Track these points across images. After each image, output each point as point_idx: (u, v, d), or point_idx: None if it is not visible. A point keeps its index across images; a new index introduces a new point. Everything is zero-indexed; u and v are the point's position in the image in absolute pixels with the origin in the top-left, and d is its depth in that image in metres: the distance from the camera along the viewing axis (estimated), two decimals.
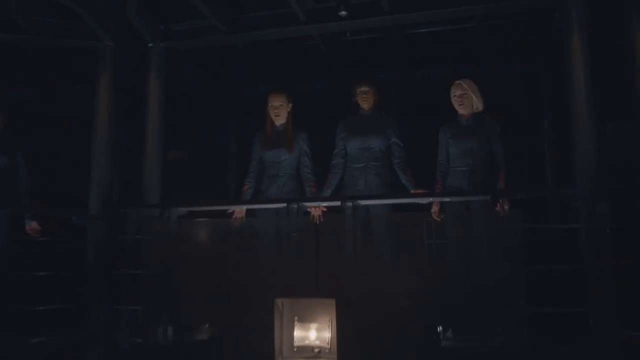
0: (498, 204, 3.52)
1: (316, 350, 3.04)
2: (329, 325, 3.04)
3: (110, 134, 4.54)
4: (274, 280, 3.29)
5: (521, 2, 4.03)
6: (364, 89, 4.18)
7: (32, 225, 4.27)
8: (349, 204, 3.40)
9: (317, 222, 3.72)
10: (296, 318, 3.08)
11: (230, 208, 3.89)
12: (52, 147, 4.64)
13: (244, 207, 3.86)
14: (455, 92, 4.00)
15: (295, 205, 3.55)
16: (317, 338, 3.04)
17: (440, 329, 3.21)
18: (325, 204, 3.68)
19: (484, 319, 3.10)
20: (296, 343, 3.05)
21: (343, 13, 4.25)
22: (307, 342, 3.05)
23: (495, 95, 4.28)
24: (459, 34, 4.53)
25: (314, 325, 3.05)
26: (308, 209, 3.75)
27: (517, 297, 3.04)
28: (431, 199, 3.56)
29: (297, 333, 3.07)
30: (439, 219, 3.68)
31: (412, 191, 3.91)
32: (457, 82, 4.00)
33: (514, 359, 2.98)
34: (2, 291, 3.80)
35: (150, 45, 4.62)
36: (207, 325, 3.47)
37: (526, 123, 4.31)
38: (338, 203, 3.52)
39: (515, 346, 3.00)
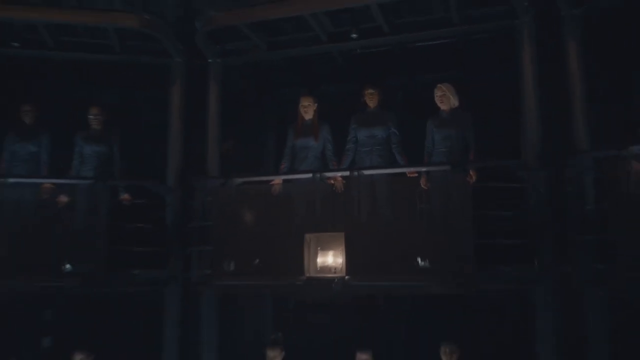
0: (469, 174, 4.91)
1: (332, 268, 4.49)
2: (341, 252, 4.48)
3: (181, 127, 6.09)
4: (304, 224, 4.75)
5: (488, 26, 5.41)
6: (370, 91, 5.59)
7: (124, 195, 5.82)
8: (355, 173, 4.83)
9: (339, 190, 5.16)
10: (319, 248, 4.53)
11: (273, 179, 5.36)
12: (136, 139, 6.17)
13: (282, 178, 5.32)
14: (437, 93, 5.37)
15: (319, 175, 5.00)
16: (333, 261, 4.48)
17: (419, 258, 4.64)
18: (340, 174, 5.11)
19: (447, 250, 4.50)
20: (319, 264, 4.50)
21: (354, 35, 5.72)
22: (326, 263, 4.49)
23: (477, 93, 5.66)
24: (446, 47, 5.92)
25: (331, 252, 4.50)
26: (331, 181, 5.18)
27: (468, 234, 4.42)
28: (412, 169, 4.96)
29: (320, 258, 4.52)
30: (425, 187, 5.08)
31: (408, 173, 5.29)
32: (438, 85, 5.36)
33: (464, 276, 4.36)
34: (113, 239, 5.35)
35: (210, 60, 6.15)
36: (257, 260, 4.96)
37: (498, 115, 5.67)
38: (347, 173, 4.96)
39: (466, 268, 4.38)
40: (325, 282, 4.49)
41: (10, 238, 5.33)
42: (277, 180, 5.36)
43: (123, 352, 5.85)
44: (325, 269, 4.54)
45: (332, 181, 5.19)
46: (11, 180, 5.38)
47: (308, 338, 5.80)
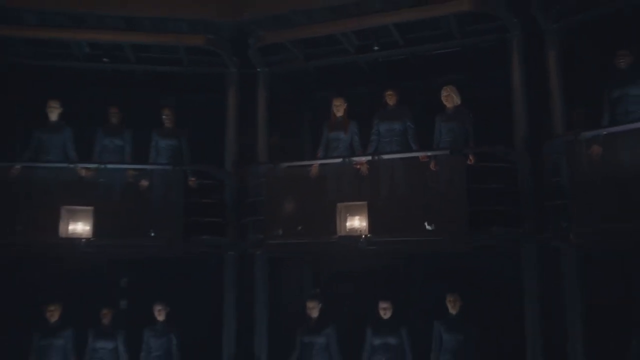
0: (469, 157, 6.17)
1: (358, 229, 5.85)
2: (365, 217, 5.83)
3: (235, 123, 7.54)
4: (335, 198, 6.11)
5: (484, 38, 6.69)
6: (389, 92, 6.92)
7: (191, 179, 7.25)
8: (376, 158, 6.18)
9: (364, 173, 6.50)
10: (348, 214, 5.89)
11: (311, 164, 6.73)
12: (199, 134, 7.63)
13: (318, 163, 6.68)
14: (443, 94, 6.66)
15: (347, 160, 6.36)
16: (359, 224, 5.84)
17: (426, 223, 5.95)
18: (364, 159, 6.44)
19: (447, 216, 5.79)
20: (348, 227, 5.87)
21: (376, 48, 7.07)
22: (353, 226, 5.85)
23: (475, 93, 6.91)
24: (450, 56, 7.21)
25: (357, 217, 5.85)
26: (357, 165, 6.52)
27: (463, 203, 5.70)
28: (424, 153, 6.26)
29: (348, 222, 5.87)
30: (434, 169, 6.37)
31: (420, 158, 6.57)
32: (444, 87, 6.66)
33: (459, 235, 5.64)
34: (186, 212, 6.79)
35: (259, 70, 7.59)
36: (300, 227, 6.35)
37: (492, 110, 6.92)
38: (370, 158, 6.30)
39: (462, 231, 5.67)
40: (353, 239, 5.85)
41: (104, 213, 6.82)
42: (315, 164, 6.73)
43: (192, 308, 7.29)
44: (353, 230, 5.90)
45: (359, 165, 6.54)
46: (109, 166, 6.88)
47: (339, 293, 7.15)
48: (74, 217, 6.22)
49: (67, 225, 6.19)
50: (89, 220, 6.25)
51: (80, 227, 6.21)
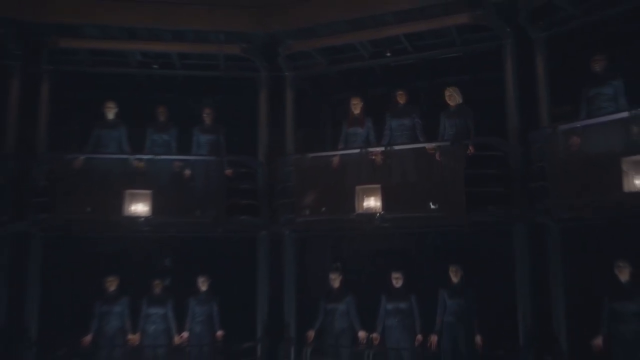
0: (469, 148, 7.24)
1: (373, 208, 6.97)
2: (379, 198, 6.95)
3: (266, 120, 8.69)
4: (354, 182, 7.24)
5: (481, 45, 7.77)
6: (400, 92, 8.02)
7: (228, 170, 8.39)
8: (388, 148, 7.29)
9: (378, 162, 7.59)
10: (364, 195, 7.01)
11: (333, 154, 7.84)
12: (234, 130, 8.77)
13: (339, 153, 7.80)
14: (446, 93, 7.72)
15: (364, 151, 7.47)
16: (374, 204, 6.96)
17: (431, 203, 7.04)
18: (379, 150, 7.54)
19: (449, 197, 6.88)
20: (365, 206, 7.00)
21: (388, 54, 8.18)
22: (369, 205, 6.98)
23: (474, 92, 7.96)
24: (452, 60, 8.28)
25: (372, 198, 6.97)
26: (372, 155, 7.61)
27: (460, 185, 6.78)
28: (427, 144, 7.34)
29: (365, 202, 6.99)
30: (438, 158, 7.44)
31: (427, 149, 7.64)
32: (447, 88, 7.73)
33: (457, 216, 6.72)
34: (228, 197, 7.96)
35: (286, 73, 8.73)
36: (323, 208, 7.48)
37: (489, 107, 7.95)
38: (383, 149, 7.40)
39: (460, 210, 6.75)
40: (369, 216, 6.99)
41: (159, 196, 7.94)
42: (337, 155, 7.84)
43: (230, 280, 8.43)
44: (369, 208, 7.02)
45: (374, 155, 7.63)
46: (159, 157, 8.07)
47: (357, 266, 8.27)
48: (135, 199, 7.43)
49: (130, 206, 7.40)
50: (147, 202, 7.44)
51: (140, 207, 7.42)
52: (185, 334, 7.83)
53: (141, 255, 8.73)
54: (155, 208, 7.52)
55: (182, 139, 8.60)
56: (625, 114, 5.84)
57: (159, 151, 8.43)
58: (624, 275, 6.34)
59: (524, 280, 7.20)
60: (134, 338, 7.74)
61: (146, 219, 7.44)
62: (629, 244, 6.52)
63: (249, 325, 8.30)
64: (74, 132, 9.22)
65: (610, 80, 6.67)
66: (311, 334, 7.53)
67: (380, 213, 6.96)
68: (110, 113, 8.43)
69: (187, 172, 8.23)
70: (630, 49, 6.90)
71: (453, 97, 7.71)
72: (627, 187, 5.53)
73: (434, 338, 7.17)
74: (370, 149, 7.60)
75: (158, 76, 9.03)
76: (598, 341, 6.29)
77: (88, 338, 7.57)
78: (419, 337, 7.26)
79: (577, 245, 7.00)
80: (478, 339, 7.02)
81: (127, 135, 8.43)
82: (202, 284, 8.01)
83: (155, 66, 8.79)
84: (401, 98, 8.02)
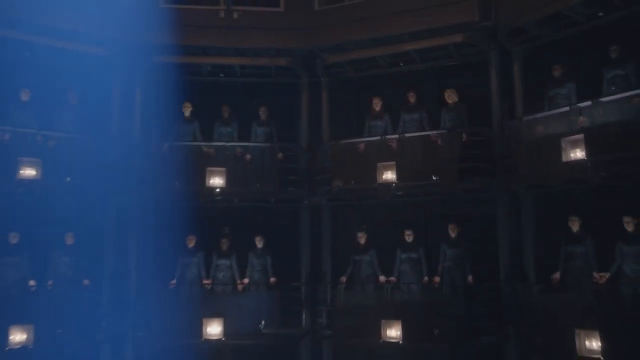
0: (463, 135, 9.67)
1: (390, 179, 9.45)
2: (394, 172, 9.43)
3: (307, 115, 11.22)
4: (375, 160, 9.72)
5: (471, 57, 10.19)
6: (410, 93, 10.47)
7: (279, 155, 10.84)
8: (401, 136, 9.77)
9: (394, 147, 10.04)
10: (383, 170, 9.49)
11: (360, 141, 10.32)
12: (283, 124, 11.28)
13: (364, 140, 10.27)
14: (446, 94, 10.14)
15: (383, 138, 9.95)
16: (391, 176, 9.44)
17: (433, 176, 9.51)
18: (394, 137, 9.99)
19: (445, 170, 9.33)
20: (383, 178, 9.48)
21: (401, 64, 10.66)
22: (387, 178, 9.47)
23: (467, 93, 10.35)
24: (450, 68, 10.69)
25: (389, 172, 9.44)
26: (389, 142, 10.07)
27: (454, 162, 9.22)
28: (431, 132, 9.79)
29: (384, 175, 9.48)
30: (440, 143, 9.87)
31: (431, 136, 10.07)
32: (447, 89, 10.13)
33: (452, 185, 9.17)
34: (279, 175, 10.52)
35: (322, 79, 11.24)
36: (353, 181, 9.98)
37: (478, 104, 10.34)
38: (397, 136, 9.87)
39: (454, 179, 9.19)
40: (387, 185, 9.49)
41: (230, 173, 10.42)
42: (362, 142, 10.29)
43: (280, 240, 10.93)
44: (387, 180, 9.53)
45: (390, 142, 10.09)
46: (225, 144, 10.61)
47: (379, 227, 10.71)
48: (213, 174, 10.02)
49: (210, 179, 10.00)
50: (222, 177, 10.04)
51: (217, 181, 10.02)
52: (245, 280, 10.38)
53: (215, 218, 11.15)
54: (228, 182, 10.13)
55: (242, 131, 11.13)
56: (567, 108, 8.21)
57: (224, 141, 10.94)
58: (575, 226, 8.66)
59: (504, 234, 9.62)
60: (208, 282, 10.30)
61: (221, 189, 10.03)
62: (578, 203, 8.88)
63: (295, 274, 10.83)
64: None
65: (565, 83, 9.02)
66: (343, 279, 10.02)
67: (395, 183, 9.45)
68: (187, 111, 11.00)
69: (247, 156, 10.74)
70: (582, 60, 9.24)
71: (451, 96, 10.12)
72: (564, 159, 7.92)
73: (436, 279, 9.62)
74: (388, 137, 10.07)
75: (222, 82, 11.59)
76: (556, 275, 8.64)
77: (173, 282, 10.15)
78: (425, 279, 9.71)
79: (542, 205, 9.39)
80: (470, 278, 9.43)
81: (200, 128, 11.00)
82: (259, 242, 10.53)
83: (222, 75, 11.41)
84: (412, 98, 10.45)
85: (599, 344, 7.42)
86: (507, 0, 9.43)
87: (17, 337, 8.69)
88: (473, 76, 10.43)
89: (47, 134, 9.54)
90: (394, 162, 9.48)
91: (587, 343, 7.60)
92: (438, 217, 10.40)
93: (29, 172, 9.20)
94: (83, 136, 9.93)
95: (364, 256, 10.08)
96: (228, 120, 11.13)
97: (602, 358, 7.41)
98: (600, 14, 8.65)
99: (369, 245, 10.10)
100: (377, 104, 10.56)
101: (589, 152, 7.69)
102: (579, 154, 7.85)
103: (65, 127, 9.96)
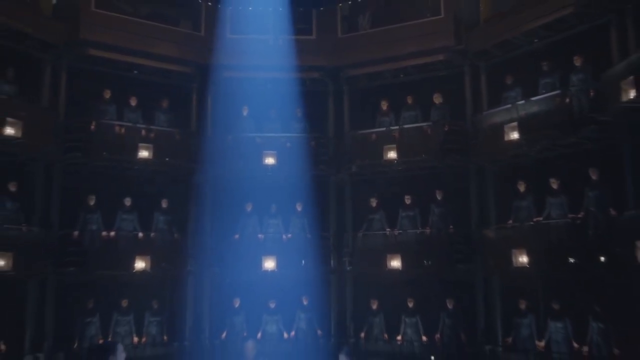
0: (445, 125, 13.64)
1: (393, 157, 13.45)
2: (396, 152, 13.43)
3: (333, 115, 15.29)
4: (383, 144, 13.74)
5: (452, 70, 14.20)
6: (409, 96, 14.45)
7: (312, 142, 14.92)
8: (402, 127, 13.80)
9: (397, 136, 14.03)
10: (388, 150, 13.49)
11: (371, 132, 14.35)
12: (317, 121, 15.32)
13: (375, 131, 14.30)
14: (434, 96, 14.11)
15: (389, 129, 13.97)
16: (393, 155, 13.44)
17: (423, 154, 13.50)
18: (397, 128, 14.00)
19: (436, 150, 13.33)
20: (388, 155, 13.50)
21: (401, 75, 14.71)
22: (390, 156, 13.46)
23: (449, 95, 14.29)
24: (438, 78, 14.68)
25: (392, 152, 13.44)
26: (394, 133, 14.06)
27: (441, 145, 13.21)
28: (423, 124, 13.80)
29: (389, 154, 13.48)
30: (430, 133, 13.84)
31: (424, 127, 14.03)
32: (435, 93, 14.10)
33: (438, 160, 13.17)
34: (311, 157, 14.59)
35: (344, 87, 15.30)
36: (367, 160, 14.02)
37: (458, 104, 14.25)
38: (398, 127, 13.89)
39: (439, 157, 13.19)
40: (390, 161, 13.53)
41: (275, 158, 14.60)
42: (374, 132, 14.30)
43: (313, 206, 14.92)
44: (391, 157, 13.56)
45: (394, 133, 14.08)
46: (277, 135, 14.68)
47: (386, 195, 14.61)
48: (268, 156, 14.11)
49: (265, 160, 14.10)
50: (274, 158, 14.11)
51: (271, 160, 14.11)
52: (289, 235, 14.44)
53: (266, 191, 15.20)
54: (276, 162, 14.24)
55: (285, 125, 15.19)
56: (509, 105, 12.18)
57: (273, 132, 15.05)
58: (521, 188, 12.56)
59: (474, 197, 13.58)
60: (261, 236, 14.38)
61: (273, 167, 14.15)
62: (523, 171, 12.80)
63: (325, 227, 14.85)
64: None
65: (515, 88, 12.95)
66: (361, 232, 14.04)
67: (396, 160, 13.49)
68: (244, 112, 15.19)
69: (288, 144, 14.80)
70: (526, 72, 13.11)
71: (438, 98, 14.10)
72: (506, 139, 11.89)
73: (428, 229, 13.59)
74: (392, 128, 14.08)
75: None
76: (509, 223, 12.57)
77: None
78: (420, 228, 13.70)
79: (502, 175, 13.32)
80: (450, 228, 13.37)
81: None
82: (299, 207, 14.57)
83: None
84: (410, 100, 14.46)
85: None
86: (474, 31, 13.58)
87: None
88: (453, 84, 14.39)
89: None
90: (395, 146, 13.49)
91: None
92: (428, 185, 14.36)
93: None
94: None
95: (375, 215, 14.09)
96: (275, 120, 15.25)
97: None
98: (536, 40, 12.60)
99: (379, 207, 14.11)
100: (384, 105, 14.59)
101: (521, 134, 11.67)
102: (515, 135, 11.83)
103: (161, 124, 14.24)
